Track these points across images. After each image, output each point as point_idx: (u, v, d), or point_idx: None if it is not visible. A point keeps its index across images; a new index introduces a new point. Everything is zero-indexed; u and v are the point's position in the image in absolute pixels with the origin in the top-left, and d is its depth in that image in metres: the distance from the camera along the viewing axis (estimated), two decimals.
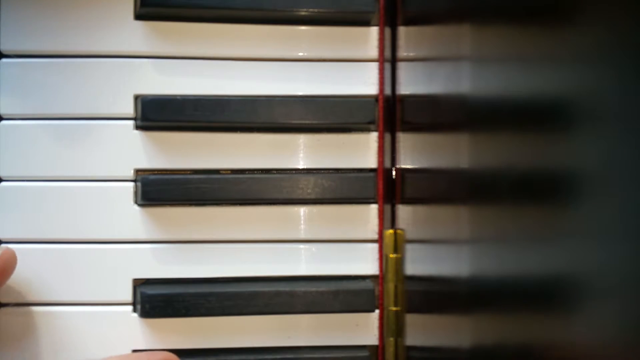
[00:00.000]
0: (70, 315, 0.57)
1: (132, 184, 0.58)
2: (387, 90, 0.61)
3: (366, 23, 0.61)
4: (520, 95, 0.37)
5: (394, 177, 0.61)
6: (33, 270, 0.57)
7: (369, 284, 0.60)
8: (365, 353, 0.60)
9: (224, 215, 0.59)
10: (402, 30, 0.60)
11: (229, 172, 0.59)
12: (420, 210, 0.56)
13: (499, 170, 0.40)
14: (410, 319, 0.57)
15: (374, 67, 0.61)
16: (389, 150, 0.61)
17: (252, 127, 0.60)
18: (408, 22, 0.59)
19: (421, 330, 0.55)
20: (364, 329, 0.60)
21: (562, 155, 0.32)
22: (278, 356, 0.59)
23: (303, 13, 0.59)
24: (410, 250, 0.58)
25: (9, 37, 0.57)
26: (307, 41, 0.60)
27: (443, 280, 0.49)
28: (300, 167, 0.60)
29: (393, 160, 0.61)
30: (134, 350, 0.58)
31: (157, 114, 0.57)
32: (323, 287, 0.58)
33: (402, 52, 0.60)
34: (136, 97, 0.58)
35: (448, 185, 0.48)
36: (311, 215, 0.60)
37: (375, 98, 0.61)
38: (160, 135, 0.59)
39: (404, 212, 0.59)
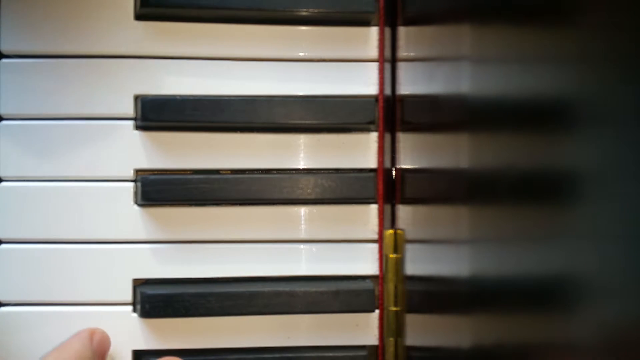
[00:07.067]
0: (70, 315, 0.57)
1: (132, 184, 0.58)
2: (387, 90, 0.61)
3: (366, 23, 0.61)
4: (520, 95, 0.37)
5: (394, 177, 0.61)
6: (33, 270, 0.57)
7: (369, 284, 0.60)
8: (365, 353, 0.60)
9: (224, 215, 0.59)
10: (402, 30, 0.60)
11: (229, 172, 0.59)
12: (420, 210, 0.56)
13: (499, 170, 0.39)
14: (410, 319, 0.57)
15: (374, 67, 0.61)
16: (389, 150, 0.61)
17: (252, 127, 0.60)
18: (408, 22, 0.59)
19: (421, 330, 0.55)
20: (364, 329, 0.60)
21: (562, 155, 0.32)
22: (278, 356, 0.59)
23: (303, 13, 0.59)
24: (410, 250, 0.58)
25: (9, 37, 0.57)
26: (307, 41, 0.60)
27: (443, 280, 0.49)
28: (300, 167, 0.60)
29: (393, 160, 0.61)
30: (134, 351, 0.58)
31: (157, 114, 0.57)
32: (323, 287, 0.58)
33: (402, 52, 0.60)
34: (136, 97, 0.58)
35: (448, 185, 0.48)
36: (311, 215, 0.60)
37: (375, 98, 0.61)
38: (160, 135, 0.59)
39: (404, 212, 0.59)
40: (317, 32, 0.60)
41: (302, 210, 0.60)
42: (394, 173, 0.61)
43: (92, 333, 0.55)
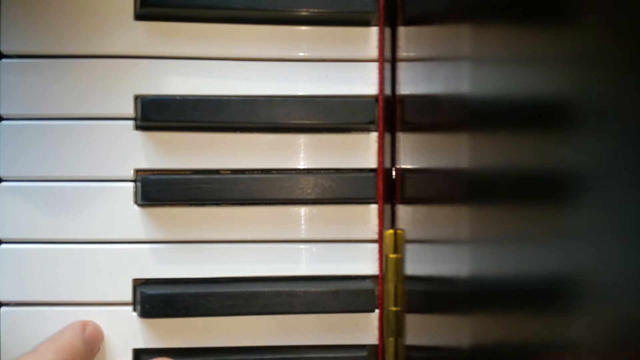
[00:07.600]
0: (70, 315, 0.57)
1: (132, 184, 0.58)
2: (387, 90, 0.61)
3: (366, 23, 0.61)
4: (519, 96, 0.37)
5: (394, 177, 0.61)
6: (33, 270, 0.57)
7: (369, 284, 0.60)
8: (365, 353, 0.60)
9: (223, 215, 0.59)
10: (402, 30, 0.60)
11: (229, 172, 0.59)
12: (420, 210, 0.56)
13: (499, 170, 0.39)
14: (410, 319, 0.57)
15: (374, 67, 0.61)
16: (389, 150, 0.61)
17: (252, 127, 0.60)
18: (408, 22, 0.59)
19: (421, 330, 0.55)
20: (363, 329, 0.60)
21: (562, 155, 0.32)
22: (278, 356, 0.59)
23: (303, 13, 0.59)
24: (410, 250, 0.58)
25: (9, 37, 0.57)
26: (307, 41, 0.60)
27: (443, 280, 0.49)
28: (301, 167, 0.60)
29: (393, 160, 0.61)
30: (135, 350, 0.58)
31: (157, 114, 0.57)
32: (323, 287, 0.58)
33: (402, 52, 0.60)
34: (136, 97, 0.58)
35: (448, 185, 0.48)
36: (311, 215, 0.60)
37: (375, 98, 0.61)
38: (160, 135, 0.59)
39: (404, 212, 0.59)
40: (317, 32, 0.60)
41: (302, 210, 0.60)
42: (394, 173, 0.61)
43: (84, 324, 0.56)
